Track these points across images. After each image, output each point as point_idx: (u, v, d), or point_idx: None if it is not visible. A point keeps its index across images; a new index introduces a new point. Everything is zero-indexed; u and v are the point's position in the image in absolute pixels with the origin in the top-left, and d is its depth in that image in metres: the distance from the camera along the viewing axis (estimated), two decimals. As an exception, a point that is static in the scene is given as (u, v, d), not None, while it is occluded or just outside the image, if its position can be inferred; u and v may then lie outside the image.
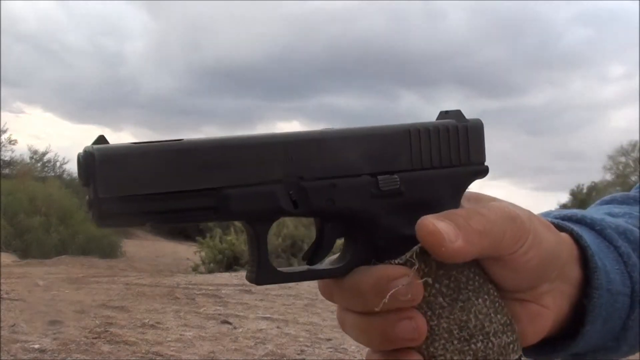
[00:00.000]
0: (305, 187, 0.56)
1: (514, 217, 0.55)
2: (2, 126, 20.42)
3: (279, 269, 0.58)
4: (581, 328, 0.60)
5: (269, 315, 6.38)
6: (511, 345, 0.57)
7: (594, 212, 0.70)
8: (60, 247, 12.98)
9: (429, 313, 0.56)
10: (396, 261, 0.56)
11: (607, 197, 0.77)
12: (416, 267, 0.55)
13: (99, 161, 0.52)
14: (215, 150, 0.55)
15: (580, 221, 0.66)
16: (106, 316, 5.84)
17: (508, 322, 0.58)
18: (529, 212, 0.58)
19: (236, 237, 11.45)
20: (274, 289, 8.23)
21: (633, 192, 0.76)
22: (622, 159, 26.70)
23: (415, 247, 0.56)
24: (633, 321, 0.63)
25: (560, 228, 0.62)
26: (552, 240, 0.57)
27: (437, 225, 0.53)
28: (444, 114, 0.63)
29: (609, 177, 26.98)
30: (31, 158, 21.76)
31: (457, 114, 0.62)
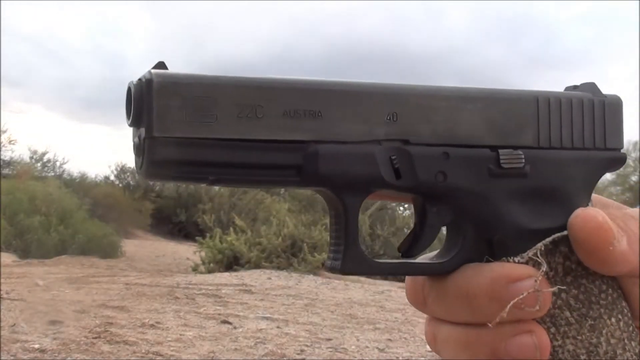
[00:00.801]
0: (412, 153, 0.45)
1: None
2: (2, 126, 20.42)
3: (370, 258, 0.47)
4: None
5: (269, 315, 6.37)
6: None
7: None
8: (60, 247, 12.96)
9: (552, 329, 0.44)
10: (516, 259, 0.44)
11: None
12: (544, 269, 0.44)
13: (157, 90, 0.41)
14: (305, 95, 0.43)
15: None
16: (106, 316, 5.84)
17: None
18: None
19: (236, 237, 11.43)
20: (274, 289, 8.22)
21: None
22: (622, 159, 26.63)
23: (540, 244, 0.45)
24: None
25: None
26: None
27: (607, 219, 0.42)
28: (572, 89, 0.51)
29: (609, 176, 26.97)
30: (31, 158, 21.76)
31: (592, 86, 0.50)
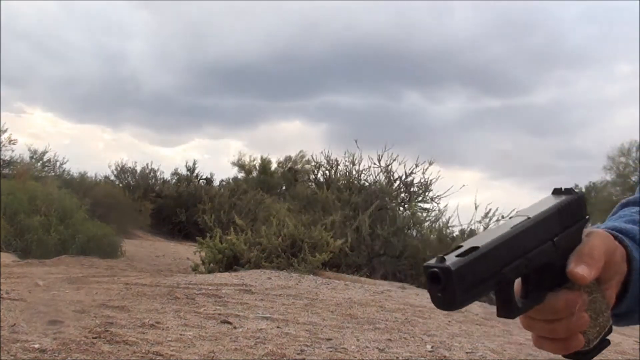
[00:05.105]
0: None
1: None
2: (2, 126, 20.39)
3: None
4: (625, 293, 0.86)
5: (269, 315, 6.37)
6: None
7: (630, 226, 0.93)
8: (60, 247, 12.95)
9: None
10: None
11: (624, 201, 1.01)
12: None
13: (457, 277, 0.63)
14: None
15: (632, 238, 0.90)
16: (106, 316, 5.84)
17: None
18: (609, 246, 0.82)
19: (236, 237, 11.43)
20: (274, 289, 8.22)
21: None
22: (622, 159, 26.68)
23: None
24: None
25: (618, 239, 0.87)
26: (620, 261, 0.84)
27: (590, 274, 0.78)
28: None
29: (609, 177, 26.96)
30: (31, 158, 21.73)
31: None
